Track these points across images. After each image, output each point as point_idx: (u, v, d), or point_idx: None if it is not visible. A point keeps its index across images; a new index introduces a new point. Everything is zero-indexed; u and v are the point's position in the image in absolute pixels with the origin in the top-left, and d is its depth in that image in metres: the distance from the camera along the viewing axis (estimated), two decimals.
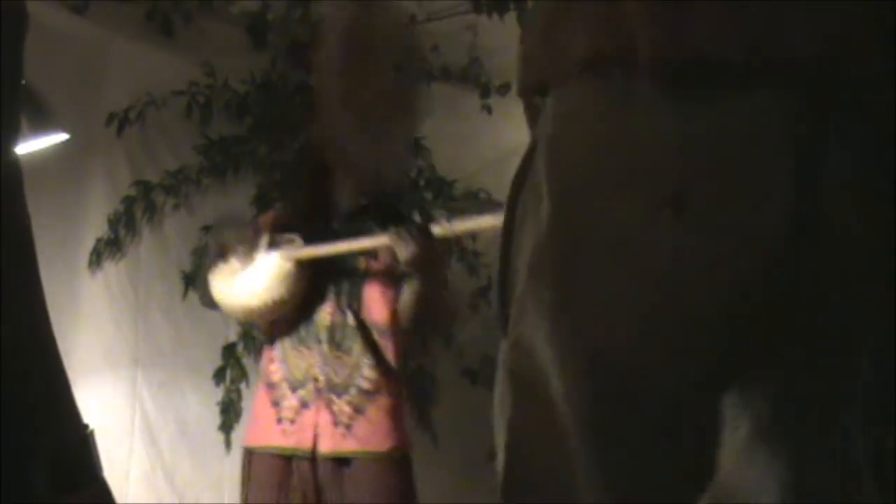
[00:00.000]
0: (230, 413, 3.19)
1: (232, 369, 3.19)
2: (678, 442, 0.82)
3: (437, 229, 2.28)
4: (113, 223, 3.15)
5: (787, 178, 0.75)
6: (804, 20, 0.75)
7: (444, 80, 3.49)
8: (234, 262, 2.43)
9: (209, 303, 2.53)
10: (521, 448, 0.88)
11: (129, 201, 3.16)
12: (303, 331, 2.43)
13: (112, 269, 3.16)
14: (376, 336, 2.44)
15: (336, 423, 2.35)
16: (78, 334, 3.07)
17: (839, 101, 0.75)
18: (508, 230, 0.92)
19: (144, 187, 3.18)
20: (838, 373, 0.78)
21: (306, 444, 2.35)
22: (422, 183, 3.41)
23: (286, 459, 2.37)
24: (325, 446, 2.34)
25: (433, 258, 2.34)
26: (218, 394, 3.18)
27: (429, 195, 3.44)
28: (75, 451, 0.60)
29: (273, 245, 2.43)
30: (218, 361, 3.18)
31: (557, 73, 0.85)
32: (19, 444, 0.55)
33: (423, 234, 2.26)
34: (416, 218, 2.33)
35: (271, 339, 2.50)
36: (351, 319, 2.41)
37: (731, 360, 0.80)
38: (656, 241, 0.78)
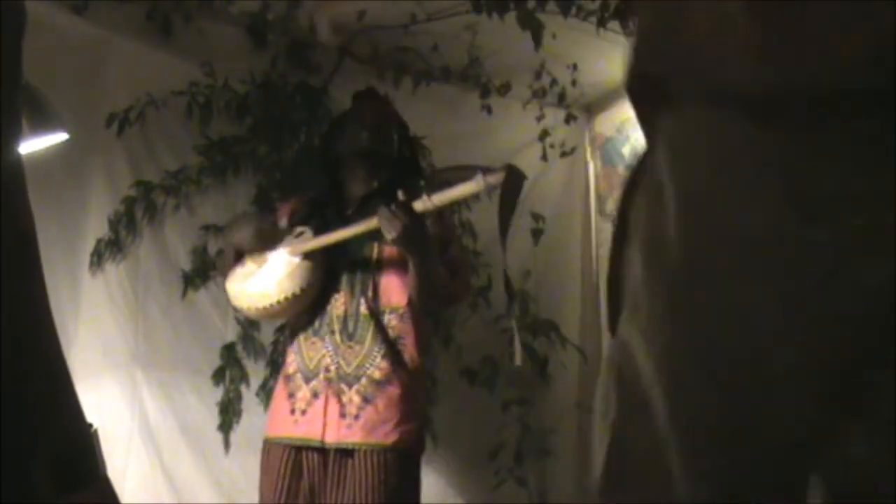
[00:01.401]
0: (229, 413, 3.19)
1: (231, 369, 3.19)
2: (790, 456, 0.80)
3: (418, 205, 2.28)
4: (113, 223, 3.15)
5: None
6: None
7: (444, 80, 3.49)
8: (249, 264, 2.44)
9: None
10: (622, 450, 0.87)
11: (129, 201, 3.16)
12: (317, 322, 2.44)
13: (112, 270, 3.16)
14: (394, 321, 2.43)
15: (343, 415, 2.35)
16: (78, 334, 3.07)
17: None
18: (621, 231, 0.91)
19: (145, 187, 3.18)
20: None
21: (315, 434, 2.35)
22: (421, 183, 3.41)
23: (297, 450, 2.38)
24: (331, 437, 2.35)
25: (419, 233, 2.32)
26: (217, 394, 3.17)
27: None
28: (78, 449, 0.61)
29: (284, 239, 2.44)
30: (217, 361, 3.18)
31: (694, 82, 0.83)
32: (22, 442, 0.54)
33: (406, 211, 2.26)
34: (400, 196, 2.30)
35: (292, 332, 2.52)
36: (364, 308, 2.42)
37: (858, 377, 0.76)
38: (781, 243, 0.75)
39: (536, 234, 3.56)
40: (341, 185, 2.57)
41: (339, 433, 2.34)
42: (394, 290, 2.45)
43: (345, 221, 2.47)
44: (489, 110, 3.53)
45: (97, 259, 3.13)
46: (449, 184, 2.33)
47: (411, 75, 3.38)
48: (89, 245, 3.14)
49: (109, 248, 3.14)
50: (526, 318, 3.61)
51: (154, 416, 3.14)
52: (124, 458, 3.07)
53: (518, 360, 2.72)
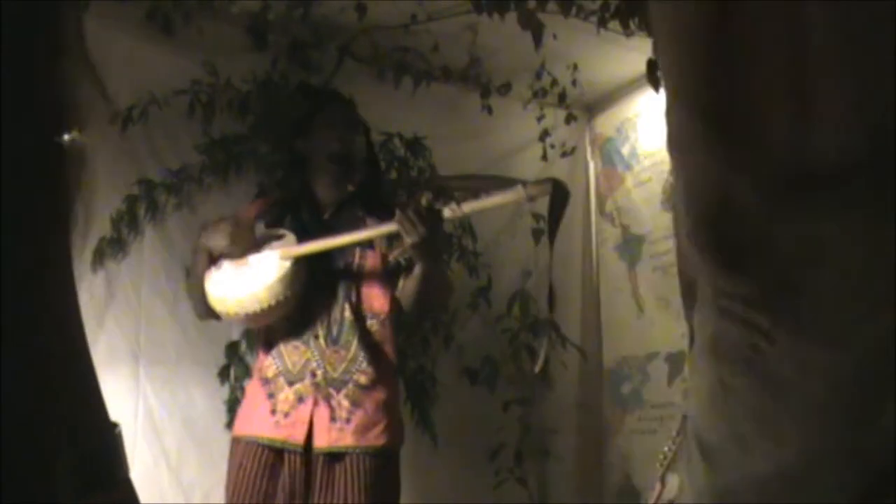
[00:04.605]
0: (236, 411, 3.18)
1: (236, 367, 3.18)
2: None
3: (447, 212, 2.21)
4: (116, 222, 3.14)
5: None
6: None
7: (444, 80, 3.49)
8: (226, 267, 2.38)
9: (205, 313, 2.48)
10: None
11: (131, 200, 3.16)
12: (299, 326, 2.39)
13: (115, 268, 3.15)
14: (376, 326, 2.41)
15: (333, 419, 2.33)
16: None
17: None
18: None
19: (147, 186, 3.17)
20: None
21: (298, 438, 2.32)
22: (422, 183, 3.41)
23: (276, 452, 2.34)
24: (322, 441, 2.32)
25: (439, 240, 2.29)
26: (221, 391, 3.16)
27: (428, 195, 3.45)
28: (103, 450, 0.60)
29: (265, 242, 2.39)
30: (220, 359, 3.17)
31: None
32: (48, 441, 0.54)
33: (431, 216, 2.20)
34: (423, 200, 2.26)
35: (267, 335, 2.46)
36: (348, 313, 2.38)
37: None
38: None
39: (536, 234, 3.55)
40: (310, 188, 2.53)
41: (329, 437, 2.32)
42: (375, 296, 2.43)
43: (322, 225, 2.44)
44: (489, 110, 3.53)
45: (100, 257, 3.12)
46: (474, 191, 2.27)
47: (411, 75, 3.38)
48: (92, 243, 3.13)
49: (112, 247, 3.13)
50: (526, 318, 3.61)
51: (159, 415, 3.13)
52: (129, 457, 3.06)
53: (537, 369, 2.71)
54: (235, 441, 2.43)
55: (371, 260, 2.44)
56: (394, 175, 3.41)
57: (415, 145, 3.43)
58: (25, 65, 0.54)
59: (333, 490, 2.31)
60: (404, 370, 3.37)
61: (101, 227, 3.13)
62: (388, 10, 3.11)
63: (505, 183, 2.20)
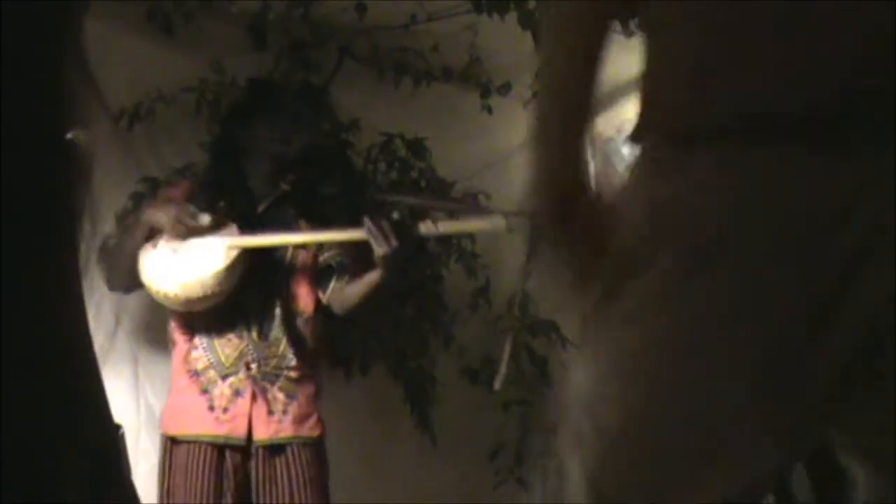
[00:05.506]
0: None
1: None
2: None
3: (423, 227, 2.24)
4: (121, 219, 3.12)
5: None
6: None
7: (444, 80, 3.49)
8: (164, 246, 2.37)
9: (124, 286, 2.44)
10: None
11: (136, 197, 3.15)
12: (231, 318, 2.39)
13: None
14: (301, 325, 2.44)
15: (271, 412, 2.35)
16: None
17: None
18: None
19: (151, 184, 3.17)
20: None
21: (240, 432, 2.34)
22: (423, 184, 3.41)
23: (218, 448, 2.34)
24: (262, 434, 2.34)
25: (407, 256, 2.30)
26: None
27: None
28: (106, 451, 0.61)
29: (209, 228, 2.38)
30: None
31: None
32: (58, 441, 0.55)
33: (404, 231, 2.22)
34: (395, 215, 2.26)
35: (191, 325, 2.44)
36: (279, 310, 2.41)
37: None
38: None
39: None
40: (244, 176, 2.51)
41: (269, 430, 2.34)
42: (301, 295, 2.45)
43: (257, 218, 2.45)
44: (489, 110, 3.53)
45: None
46: (453, 213, 2.28)
47: (411, 75, 3.38)
48: (98, 241, 3.10)
49: None
50: (526, 319, 3.60)
51: (160, 412, 3.12)
52: (133, 456, 3.05)
53: (496, 385, 2.72)
54: (172, 441, 2.39)
55: (302, 259, 2.46)
56: (395, 176, 3.41)
57: (416, 146, 3.43)
58: (29, 63, 0.54)
59: (277, 486, 2.33)
60: (404, 370, 3.37)
61: (107, 225, 3.12)
62: (388, 10, 3.11)
63: (484, 211, 2.23)
